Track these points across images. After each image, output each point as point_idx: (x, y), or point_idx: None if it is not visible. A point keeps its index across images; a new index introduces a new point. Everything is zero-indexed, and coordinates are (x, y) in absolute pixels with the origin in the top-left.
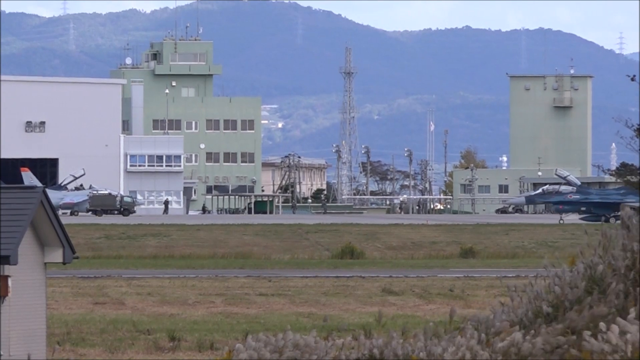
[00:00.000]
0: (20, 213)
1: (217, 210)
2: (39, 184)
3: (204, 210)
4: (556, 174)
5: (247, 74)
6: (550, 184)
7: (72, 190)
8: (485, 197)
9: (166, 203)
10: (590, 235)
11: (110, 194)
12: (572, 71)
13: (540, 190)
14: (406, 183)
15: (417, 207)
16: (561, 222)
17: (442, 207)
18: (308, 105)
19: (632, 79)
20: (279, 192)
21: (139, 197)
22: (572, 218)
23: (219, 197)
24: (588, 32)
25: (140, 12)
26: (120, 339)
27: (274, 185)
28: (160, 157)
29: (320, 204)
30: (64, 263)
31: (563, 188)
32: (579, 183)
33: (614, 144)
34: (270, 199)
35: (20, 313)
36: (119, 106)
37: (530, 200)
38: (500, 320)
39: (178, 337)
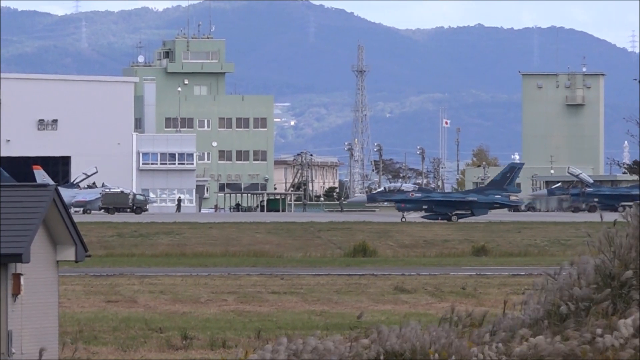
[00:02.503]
0: (32, 211)
1: (230, 208)
2: (52, 182)
3: (216, 208)
4: (568, 172)
5: (260, 72)
6: (563, 182)
7: (84, 188)
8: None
9: (179, 201)
10: (598, 232)
11: (122, 192)
12: (584, 69)
13: (382, 189)
14: (418, 181)
15: None
16: (403, 220)
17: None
18: (320, 104)
19: (638, 81)
20: (292, 190)
21: (151, 195)
22: (414, 216)
23: (232, 195)
24: (600, 30)
25: (152, 10)
26: (132, 337)
27: (286, 183)
28: (172, 155)
29: (337, 202)
30: (76, 261)
31: (405, 186)
32: (591, 181)
33: (626, 142)
34: (283, 197)
35: (32, 311)
36: (132, 104)
37: (372, 198)
38: (516, 321)
39: (190, 335)
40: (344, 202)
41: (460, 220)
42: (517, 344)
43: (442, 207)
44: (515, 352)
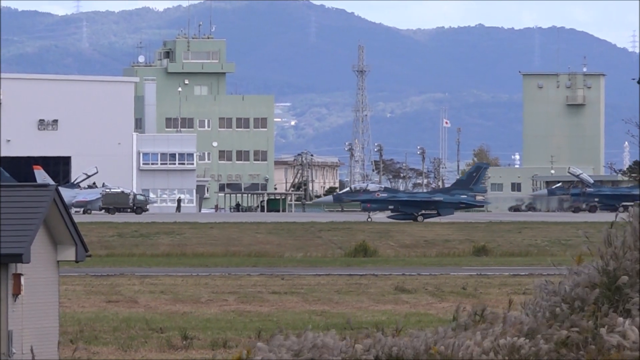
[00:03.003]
0: (33, 211)
1: (230, 208)
2: (52, 182)
3: (217, 208)
4: (569, 172)
5: (260, 72)
6: (564, 182)
7: (85, 188)
8: (498, 195)
9: (179, 201)
10: (599, 232)
11: (123, 192)
12: (585, 69)
13: (348, 189)
14: (419, 181)
15: None
16: (369, 220)
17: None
18: (321, 104)
19: (637, 81)
20: (292, 190)
21: (151, 195)
22: (380, 216)
23: (232, 195)
24: (601, 30)
25: (153, 10)
26: (133, 337)
27: (286, 183)
28: (173, 155)
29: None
30: (76, 261)
31: (371, 186)
32: (592, 181)
33: (626, 142)
34: (283, 197)
35: (33, 311)
36: (132, 104)
37: (337, 198)
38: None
39: (191, 335)
40: (308, 203)
41: (461, 221)
42: (520, 339)
43: (407, 207)
44: (517, 344)
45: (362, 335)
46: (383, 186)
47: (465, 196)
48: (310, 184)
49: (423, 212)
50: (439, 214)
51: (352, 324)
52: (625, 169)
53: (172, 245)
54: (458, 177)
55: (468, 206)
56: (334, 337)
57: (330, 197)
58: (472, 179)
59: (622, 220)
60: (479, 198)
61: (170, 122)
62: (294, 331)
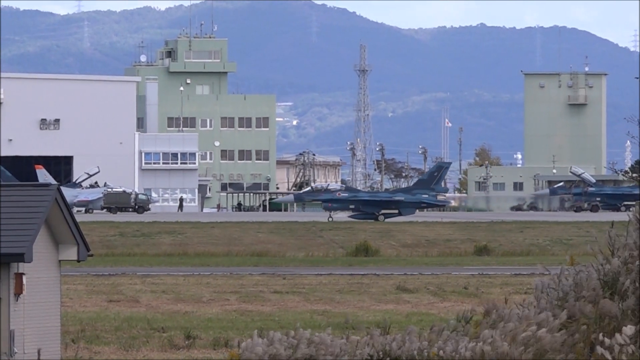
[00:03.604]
0: (34, 211)
1: (232, 208)
2: (54, 182)
3: (218, 207)
4: (571, 172)
5: (262, 72)
6: (565, 181)
7: (86, 187)
8: (500, 194)
9: (181, 200)
10: (600, 232)
11: (124, 191)
12: (586, 69)
13: (309, 188)
14: None
15: None
16: (330, 219)
17: (456, 205)
18: (323, 103)
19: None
20: (294, 190)
21: (153, 194)
22: (341, 216)
23: (234, 194)
24: (603, 30)
25: (154, 10)
26: (134, 336)
27: (288, 182)
28: (174, 155)
29: (271, 201)
30: (78, 261)
31: (332, 186)
32: (593, 181)
33: (628, 142)
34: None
35: (34, 311)
36: (134, 104)
37: (299, 198)
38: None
39: (193, 335)
40: (271, 201)
41: (462, 220)
42: (522, 331)
43: (369, 207)
44: (520, 338)
45: (362, 334)
46: (344, 186)
47: (427, 196)
48: (312, 184)
49: (384, 211)
50: (400, 214)
51: (353, 323)
52: (627, 169)
53: (173, 244)
54: (419, 177)
55: (429, 206)
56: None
57: (291, 196)
58: (434, 178)
59: (625, 220)
60: (440, 198)
61: (172, 122)
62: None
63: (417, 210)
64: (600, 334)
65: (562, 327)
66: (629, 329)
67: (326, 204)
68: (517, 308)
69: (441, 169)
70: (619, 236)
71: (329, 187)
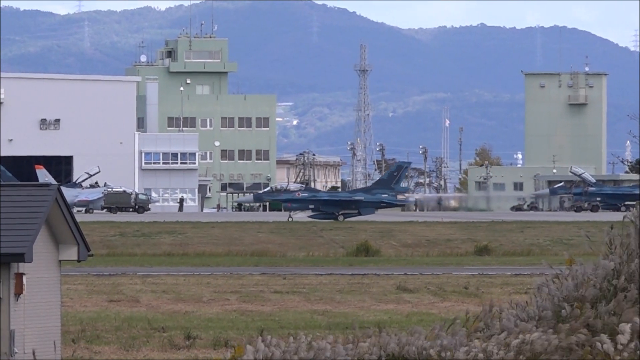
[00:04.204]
0: (35, 211)
1: (232, 208)
2: (54, 182)
3: (219, 207)
4: (571, 172)
5: (262, 72)
6: (566, 181)
7: (86, 187)
8: (500, 194)
9: (181, 200)
10: (600, 232)
11: (125, 191)
12: (587, 69)
13: (269, 188)
14: (421, 180)
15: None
16: (290, 219)
17: (456, 205)
18: (323, 103)
19: None
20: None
21: (153, 194)
22: (301, 216)
23: (234, 194)
24: (603, 30)
25: (155, 10)
26: (134, 336)
27: (288, 182)
28: (175, 155)
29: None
30: (78, 261)
31: (292, 186)
32: (594, 180)
33: (628, 142)
34: None
35: (35, 311)
36: (134, 104)
37: (258, 198)
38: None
39: (193, 334)
40: (235, 201)
41: (463, 220)
42: (513, 338)
43: (328, 207)
44: (513, 345)
45: (364, 336)
46: (304, 186)
47: (387, 195)
48: (312, 184)
49: (344, 211)
50: (359, 214)
51: (357, 323)
52: (628, 164)
53: (174, 244)
54: (380, 177)
55: (389, 205)
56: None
57: (250, 196)
58: (394, 178)
59: (626, 220)
60: (400, 197)
61: (172, 122)
62: (294, 331)
63: (377, 210)
64: (601, 334)
65: (560, 329)
66: (628, 327)
67: (285, 204)
68: (512, 308)
69: (401, 168)
70: (620, 236)
71: (289, 187)
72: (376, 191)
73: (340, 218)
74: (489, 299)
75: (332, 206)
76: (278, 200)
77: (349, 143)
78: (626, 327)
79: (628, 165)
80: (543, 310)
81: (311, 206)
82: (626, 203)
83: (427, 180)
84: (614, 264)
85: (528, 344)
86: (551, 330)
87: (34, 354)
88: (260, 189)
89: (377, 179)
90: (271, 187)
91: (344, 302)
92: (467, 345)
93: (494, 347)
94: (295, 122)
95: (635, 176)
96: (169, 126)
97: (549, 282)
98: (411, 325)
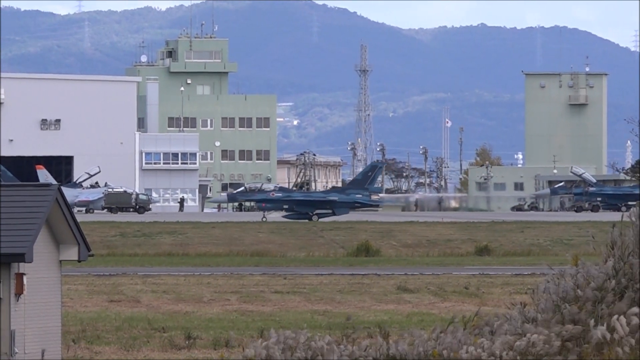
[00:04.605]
0: (35, 211)
1: (233, 208)
2: (54, 182)
3: (219, 207)
4: (571, 172)
5: (263, 72)
6: (566, 181)
7: (87, 188)
8: (501, 194)
9: (181, 201)
10: (601, 232)
11: (125, 191)
12: (587, 69)
13: (242, 188)
14: (421, 181)
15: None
16: (264, 219)
17: (457, 205)
18: (323, 103)
19: None
20: (294, 190)
21: (154, 194)
22: (275, 216)
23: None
24: (604, 30)
25: (155, 10)
26: (135, 336)
27: (289, 182)
28: (175, 155)
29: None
30: (79, 261)
31: (266, 186)
32: (594, 181)
33: (629, 142)
34: None
35: (35, 311)
36: (134, 104)
37: (232, 198)
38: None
39: (193, 335)
40: (208, 201)
41: (463, 220)
42: (515, 339)
43: (302, 207)
44: (516, 345)
45: (363, 335)
46: (278, 186)
47: (361, 196)
48: (312, 184)
49: (318, 211)
50: (334, 214)
51: (354, 323)
52: (627, 169)
53: (174, 244)
54: (354, 177)
55: (363, 206)
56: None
57: (224, 196)
58: (368, 178)
59: (626, 221)
60: (374, 197)
61: (173, 122)
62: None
63: (351, 210)
64: (600, 330)
65: (559, 329)
66: (624, 317)
67: (260, 204)
68: (512, 308)
69: (375, 168)
70: (621, 235)
71: (263, 187)
72: (350, 191)
73: (315, 218)
74: (489, 299)
75: (306, 206)
76: (252, 200)
77: (349, 143)
78: (622, 319)
79: (624, 173)
80: (543, 310)
81: (285, 206)
82: (626, 203)
83: (428, 180)
84: (612, 264)
85: (531, 346)
86: (552, 334)
87: (42, 354)
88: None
89: (351, 179)
90: (245, 187)
91: (345, 302)
92: (468, 344)
93: (497, 348)
94: (295, 122)
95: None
96: (169, 126)
97: (550, 283)
98: (411, 327)
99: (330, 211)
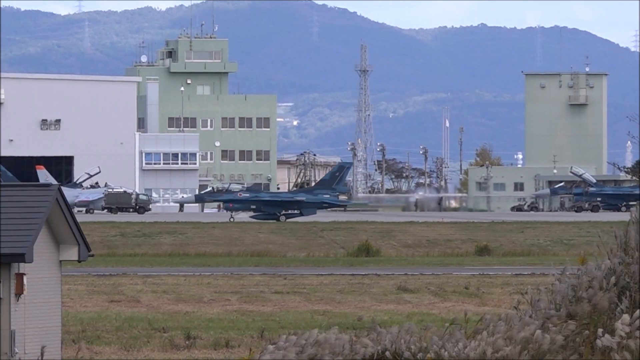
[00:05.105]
0: (35, 211)
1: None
2: (54, 182)
3: (219, 208)
4: (571, 172)
5: (263, 72)
6: (566, 181)
7: (87, 188)
8: (501, 194)
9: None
10: (605, 233)
11: (125, 191)
12: (587, 69)
13: (210, 189)
14: (422, 181)
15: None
16: (231, 220)
17: (457, 205)
18: (323, 104)
19: None
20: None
21: (154, 194)
22: (243, 216)
23: None
24: (604, 30)
25: (155, 10)
26: (135, 336)
27: (289, 183)
28: (175, 155)
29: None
30: (79, 261)
31: (233, 186)
32: (594, 181)
33: (629, 142)
34: None
35: (35, 311)
36: (134, 104)
37: (200, 198)
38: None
39: (193, 335)
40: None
41: (463, 220)
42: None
43: (270, 207)
44: (516, 340)
45: (365, 333)
46: (245, 186)
47: (328, 196)
48: (313, 184)
49: (285, 212)
50: (301, 214)
51: (355, 323)
52: (628, 168)
53: (174, 244)
54: (321, 177)
55: (331, 206)
56: (336, 334)
57: (192, 197)
58: (335, 178)
59: (627, 221)
60: (341, 198)
61: (173, 122)
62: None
63: (318, 210)
64: (600, 330)
65: (562, 328)
66: (626, 318)
67: (227, 204)
68: (514, 308)
69: (342, 169)
70: (624, 235)
71: (230, 188)
72: (318, 191)
73: (282, 218)
74: (489, 299)
75: (273, 207)
76: (220, 201)
77: (349, 143)
78: (626, 317)
79: (625, 171)
80: (545, 309)
81: (253, 207)
82: (626, 203)
83: (428, 180)
84: (609, 264)
85: (533, 342)
86: (555, 329)
87: (42, 352)
88: (261, 190)
89: (319, 179)
90: (212, 188)
91: (345, 302)
92: (467, 342)
93: (501, 339)
94: (295, 123)
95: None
96: (169, 126)
97: (554, 283)
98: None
99: (297, 211)
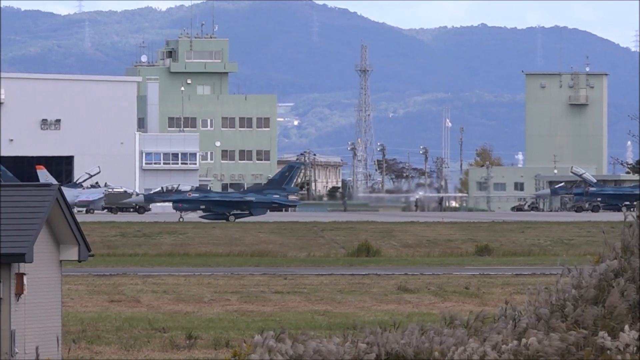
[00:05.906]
0: (35, 211)
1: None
2: (55, 182)
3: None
4: (572, 172)
5: (263, 72)
6: (566, 181)
7: (87, 188)
8: (501, 194)
9: None
10: (607, 233)
11: (125, 191)
12: (587, 69)
13: (160, 189)
14: (422, 181)
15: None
16: (181, 220)
17: (457, 205)
18: (324, 104)
19: None
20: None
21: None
22: (193, 216)
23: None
24: (604, 30)
25: (155, 10)
26: (135, 337)
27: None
28: (175, 155)
29: (341, 202)
30: (79, 261)
31: (182, 186)
32: (594, 181)
33: (629, 142)
34: None
35: (35, 311)
36: (135, 104)
37: (149, 198)
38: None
39: (194, 335)
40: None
41: (463, 220)
42: (513, 339)
43: (219, 207)
44: (514, 344)
45: (364, 334)
46: (194, 186)
47: (278, 196)
48: (313, 184)
49: (235, 212)
50: (251, 214)
51: (354, 323)
52: (631, 164)
53: (174, 244)
54: (270, 177)
55: (280, 206)
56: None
57: (141, 197)
58: (285, 178)
59: (628, 221)
60: (291, 198)
61: (173, 122)
62: (296, 332)
63: (268, 211)
64: (604, 334)
65: (559, 329)
66: (630, 328)
67: (176, 204)
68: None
69: (292, 169)
70: (623, 235)
71: (179, 188)
72: (268, 191)
73: (232, 218)
74: (489, 299)
75: (223, 207)
76: (169, 201)
77: (349, 143)
78: (627, 328)
79: (628, 167)
80: (542, 310)
81: (202, 207)
82: (626, 203)
83: (428, 180)
84: (606, 265)
85: (526, 347)
86: (554, 335)
87: (37, 351)
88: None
89: (270, 179)
90: (162, 188)
91: (345, 302)
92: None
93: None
94: (296, 123)
95: (636, 176)
96: (169, 126)
97: (554, 282)
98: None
99: (247, 212)
